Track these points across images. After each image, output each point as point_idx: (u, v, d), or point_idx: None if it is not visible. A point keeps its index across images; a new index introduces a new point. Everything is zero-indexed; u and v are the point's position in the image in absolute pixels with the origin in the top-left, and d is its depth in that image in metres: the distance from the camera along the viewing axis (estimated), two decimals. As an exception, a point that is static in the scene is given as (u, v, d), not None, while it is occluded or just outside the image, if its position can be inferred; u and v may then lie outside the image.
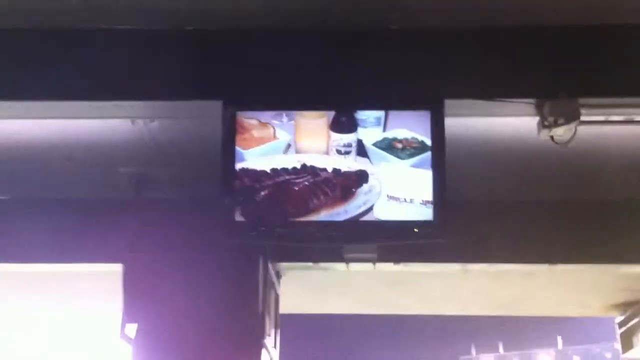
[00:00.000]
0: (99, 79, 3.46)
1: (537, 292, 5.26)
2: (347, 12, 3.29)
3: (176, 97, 3.44)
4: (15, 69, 3.46)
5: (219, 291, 4.30)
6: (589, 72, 3.32)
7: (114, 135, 3.91)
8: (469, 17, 3.31)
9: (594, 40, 3.36)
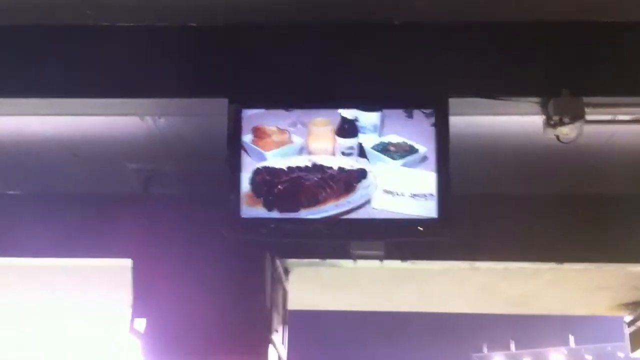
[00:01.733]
0: (107, 76, 3.48)
1: (545, 291, 5.24)
2: (350, 7, 3.30)
3: (182, 95, 3.46)
4: (23, 65, 3.49)
5: (226, 286, 4.33)
6: (594, 70, 3.31)
7: (122, 131, 3.94)
8: (473, 13, 3.30)
9: (600, 38, 3.34)
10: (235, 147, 3.37)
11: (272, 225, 3.38)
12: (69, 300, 5.47)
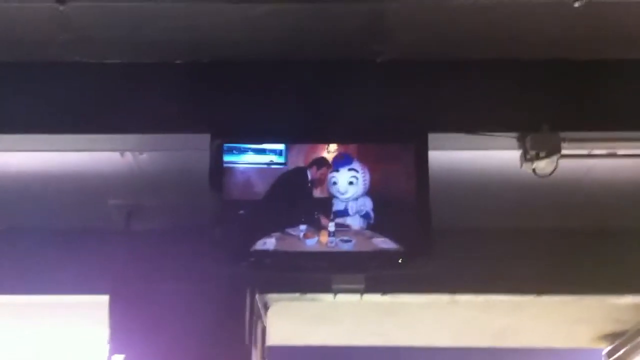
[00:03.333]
0: (88, 112, 3.48)
1: (526, 324, 5.26)
2: (333, 43, 3.34)
3: (164, 130, 3.47)
4: (3, 102, 3.48)
5: (205, 322, 4.30)
6: (571, 105, 3.37)
7: (103, 167, 3.93)
8: (454, 50, 3.36)
9: (577, 74, 3.40)
10: (217, 182, 3.38)
11: (252, 259, 3.38)
12: (47, 337, 5.40)
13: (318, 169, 3.41)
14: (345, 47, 3.37)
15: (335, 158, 3.39)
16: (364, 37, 3.31)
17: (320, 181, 3.39)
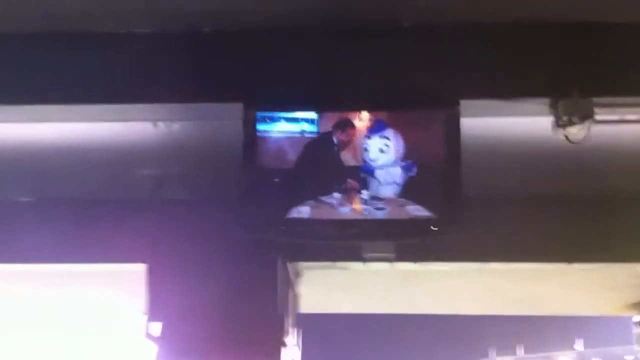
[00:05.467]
0: (120, 82, 3.51)
1: (553, 291, 5.28)
2: (362, 11, 3.33)
3: (197, 100, 3.50)
4: (37, 73, 3.52)
5: (238, 290, 4.38)
6: (603, 71, 3.34)
7: (134, 137, 3.98)
8: (482, 14, 3.32)
9: (609, 38, 3.37)
10: (250, 151, 3.41)
11: (286, 227, 3.41)
12: (84, 305, 5.51)
13: (342, 131, 3.41)
14: (373, 13, 3.34)
15: (369, 125, 3.40)
16: (392, 2, 3.30)
17: (347, 143, 3.40)
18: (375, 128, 3.39)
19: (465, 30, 3.41)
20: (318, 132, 3.42)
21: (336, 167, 3.41)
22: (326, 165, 3.43)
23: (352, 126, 3.40)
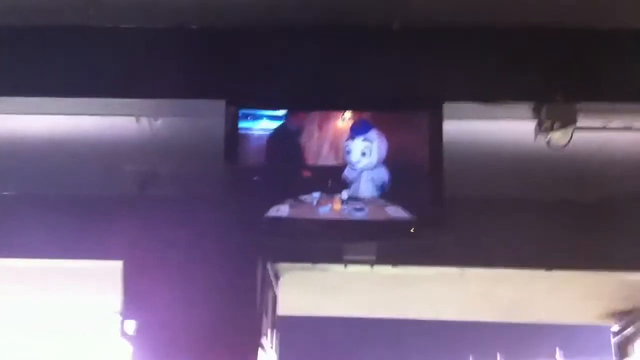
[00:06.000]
0: (104, 76, 3.49)
1: (535, 298, 5.27)
2: (349, 10, 3.33)
3: (180, 95, 3.47)
4: (20, 65, 3.50)
5: (217, 290, 4.34)
6: (587, 76, 3.35)
7: (118, 132, 3.95)
8: (469, 17, 3.33)
9: (594, 44, 3.38)
10: (232, 148, 3.39)
11: (265, 226, 3.39)
12: (61, 301, 5.45)
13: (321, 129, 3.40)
14: (361, 14, 3.35)
15: (353, 125, 3.38)
16: (380, 3, 3.29)
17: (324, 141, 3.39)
18: (360, 129, 3.38)
19: (450, 34, 3.41)
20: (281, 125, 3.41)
21: (318, 167, 3.39)
22: (304, 165, 3.41)
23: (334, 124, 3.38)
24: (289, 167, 3.41)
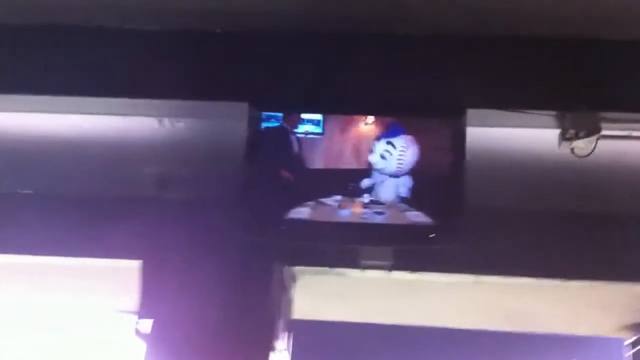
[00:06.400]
0: (127, 76, 3.52)
1: (548, 308, 5.24)
2: (374, 17, 3.36)
3: (202, 97, 3.50)
4: (41, 63, 3.53)
5: (232, 291, 4.34)
6: (611, 85, 3.35)
7: (138, 133, 3.96)
8: (492, 26, 3.35)
9: (619, 53, 3.38)
10: (253, 152, 3.40)
11: (285, 228, 3.40)
12: (75, 300, 5.47)
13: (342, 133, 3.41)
14: (386, 22, 3.37)
15: (381, 128, 3.38)
16: (405, 12, 3.30)
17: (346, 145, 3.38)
18: (388, 131, 3.38)
19: (474, 41, 3.43)
20: (323, 134, 3.42)
21: (340, 170, 3.40)
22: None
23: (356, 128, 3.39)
24: (310, 170, 3.41)
